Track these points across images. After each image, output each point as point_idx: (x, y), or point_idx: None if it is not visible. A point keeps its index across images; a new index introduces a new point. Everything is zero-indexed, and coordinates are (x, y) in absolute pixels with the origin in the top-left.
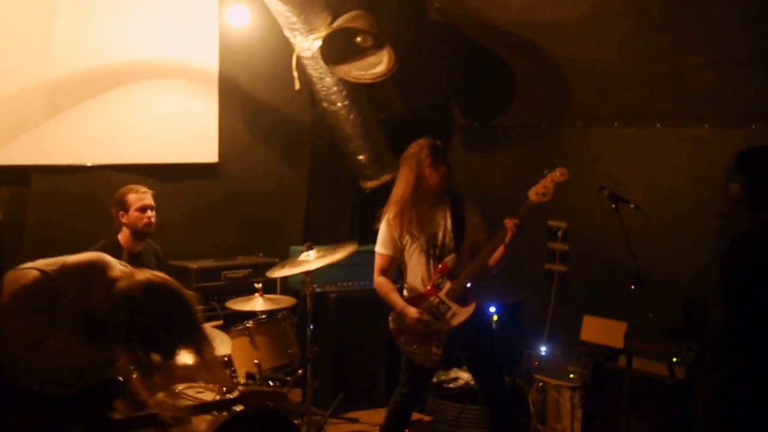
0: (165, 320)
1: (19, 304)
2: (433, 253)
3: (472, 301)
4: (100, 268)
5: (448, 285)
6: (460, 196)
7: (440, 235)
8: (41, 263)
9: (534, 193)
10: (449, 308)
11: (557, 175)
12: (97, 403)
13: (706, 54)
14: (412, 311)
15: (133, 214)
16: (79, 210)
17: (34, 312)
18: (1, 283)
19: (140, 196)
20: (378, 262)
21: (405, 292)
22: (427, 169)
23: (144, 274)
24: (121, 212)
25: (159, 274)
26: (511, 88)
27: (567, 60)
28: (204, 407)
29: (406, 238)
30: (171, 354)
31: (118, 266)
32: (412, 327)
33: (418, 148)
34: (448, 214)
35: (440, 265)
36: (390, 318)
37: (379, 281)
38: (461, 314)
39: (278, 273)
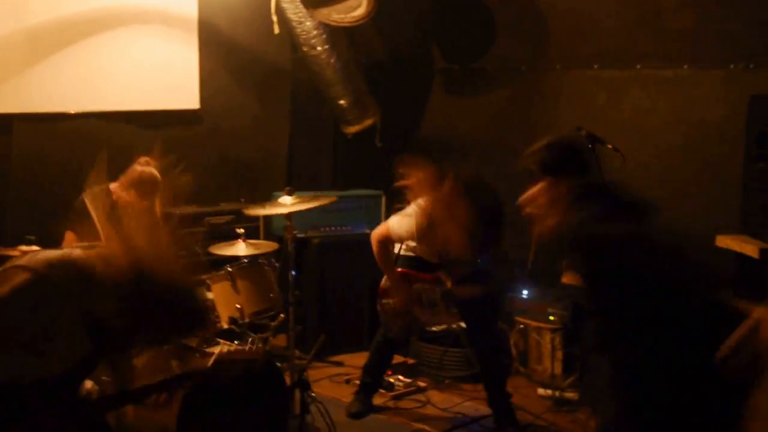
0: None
1: (12, 306)
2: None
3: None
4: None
5: (448, 285)
6: None
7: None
8: (25, 261)
9: None
10: (436, 305)
11: None
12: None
13: None
14: (401, 296)
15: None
16: (64, 157)
17: (30, 312)
18: None
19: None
20: (386, 233)
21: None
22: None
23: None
24: (124, 182)
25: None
26: (492, 31)
27: (547, 2)
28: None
29: (423, 239)
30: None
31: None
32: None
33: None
34: None
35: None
36: (384, 278)
37: (381, 250)
38: (444, 319)
39: (257, 211)
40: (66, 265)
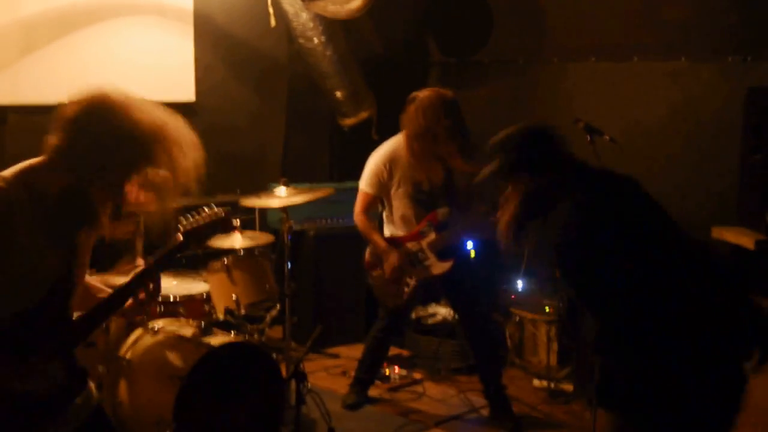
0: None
1: None
2: (419, 198)
3: (451, 257)
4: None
5: (432, 236)
6: None
7: (427, 184)
8: None
9: None
10: (427, 258)
11: None
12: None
13: None
14: (394, 257)
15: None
16: None
17: None
18: None
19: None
20: (361, 199)
21: (386, 230)
22: (443, 132)
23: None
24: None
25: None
26: (488, 24)
27: None
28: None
29: (393, 181)
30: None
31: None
32: (389, 268)
33: (439, 102)
34: (440, 168)
35: (430, 215)
36: (368, 250)
37: (361, 219)
38: (437, 268)
39: (252, 202)
40: (22, 176)
